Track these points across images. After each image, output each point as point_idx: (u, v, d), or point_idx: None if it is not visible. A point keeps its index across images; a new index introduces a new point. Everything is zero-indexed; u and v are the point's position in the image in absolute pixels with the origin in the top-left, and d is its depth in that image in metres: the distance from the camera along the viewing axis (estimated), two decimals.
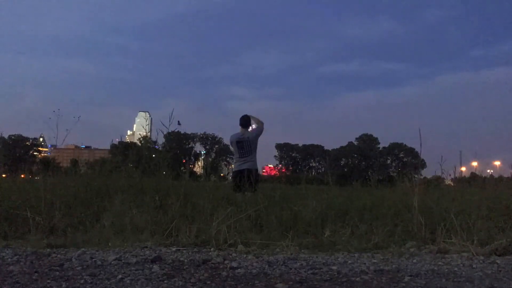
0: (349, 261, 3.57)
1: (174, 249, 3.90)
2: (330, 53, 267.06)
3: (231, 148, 7.29)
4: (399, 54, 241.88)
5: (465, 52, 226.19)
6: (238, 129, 7.13)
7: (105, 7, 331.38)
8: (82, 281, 2.85)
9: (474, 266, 3.47)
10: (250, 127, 7.21)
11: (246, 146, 6.86)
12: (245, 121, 7.12)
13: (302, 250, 4.00)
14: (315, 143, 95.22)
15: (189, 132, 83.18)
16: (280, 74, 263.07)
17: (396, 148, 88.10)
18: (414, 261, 3.64)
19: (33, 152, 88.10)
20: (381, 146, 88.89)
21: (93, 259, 3.46)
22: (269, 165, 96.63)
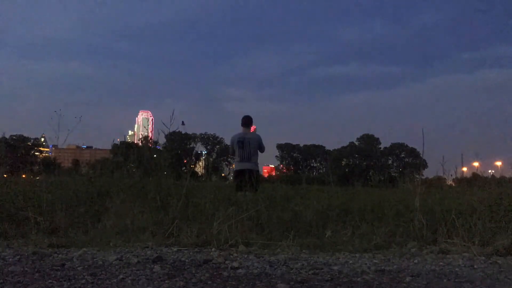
0: (350, 261, 3.57)
1: (175, 249, 3.90)
2: (326, 55, 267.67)
3: (231, 150, 7.28)
4: (393, 57, 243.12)
5: (458, 55, 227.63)
6: (237, 130, 7.14)
7: (105, 10, 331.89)
8: (83, 281, 2.85)
9: (475, 266, 3.47)
10: (253, 128, 7.24)
11: (246, 146, 6.86)
12: (247, 121, 7.13)
13: (303, 250, 4.00)
14: (316, 143, 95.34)
15: (189, 132, 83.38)
16: (277, 76, 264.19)
17: (397, 148, 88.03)
18: (415, 261, 3.64)
19: (35, 152, 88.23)
20: (382, 146, 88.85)
21: (94, 259, 3.46)
22: (270, 165, 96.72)
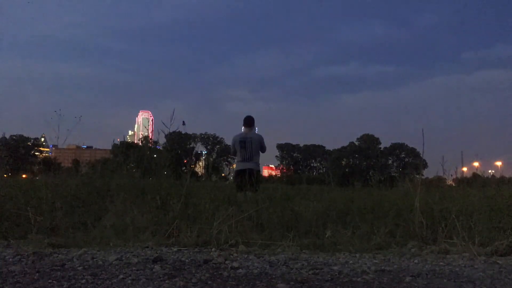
0: (350, 261, 3.57)
1: (175, 249, 3.90)
2: (326, 56, 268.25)
3: (232, 150, 7.27)
4: (393, 57, 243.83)
5: (458, 55, 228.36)
6: (237, 130, 7.16)
7: (105, 10, 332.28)
8: (83, 281, 2.85)
9: (475, 266, 3.47)
10: (254, 129, 7.25)
11: (248, 146, 6.86)
12: (249, 121, 7.14)
13: (303, 250, 4.00)
14: (316, 143, 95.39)
15: (189, 132, 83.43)
16: (277, 77, 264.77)
17: (397, 148, 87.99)
18: (416, 261, 3.64)
19: (35, 152, 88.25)
20: (382, 146, 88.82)
21: (94, 259, 3.46)
22: (270, 165, 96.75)
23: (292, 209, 5.04)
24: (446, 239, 4.25)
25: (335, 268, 3.34)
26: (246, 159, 6.87)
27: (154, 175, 6.09)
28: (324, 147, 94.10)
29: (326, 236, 4.42)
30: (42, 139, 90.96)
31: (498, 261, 3.62)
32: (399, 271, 3.27)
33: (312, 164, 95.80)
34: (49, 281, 2.86)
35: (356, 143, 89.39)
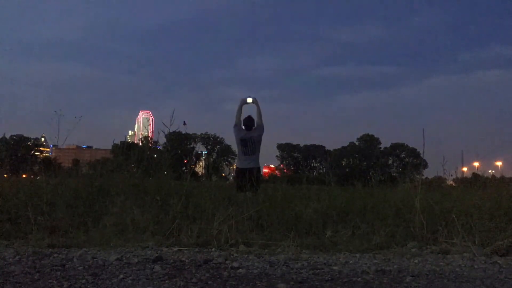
0: (351, 262, 3.57)
1: (175, 249, 3.90)
2: (323, 56, 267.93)
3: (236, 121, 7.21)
4: (391, 58, 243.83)
5: (455, 56, 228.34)
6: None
7: (106, 12, 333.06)
8: (83, 281, 2.85)
9: (475, 266, 3.47)
10: (253, 128, 7.23)
11: (250, 144, 6.84)
12: (249, 122, 7.12)
13: (303, 251, 4.00)
14: (316, 143, 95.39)
15: (190, 132, 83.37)
16: (275, 77, 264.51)
17: (397, 148, 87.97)
18: (416, 261, 3.64)
19: (35, 152, 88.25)
20: (382, 146, 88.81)
21: (95, 259, 3.46)
22: (270, 165, 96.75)
23: (292, 209, 5.03)
24: (446, 239, 4.25)
25: (335, 268, 3.34)
26: (247, 157, 6.83)
27: (154, 175, 6.09)
28: (324, 147, 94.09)
29: (326, 236, 4.42)
30: (42, 139, 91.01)
31: (498, 261, 3.62)
32: (399, 271, 3.27)
33: (312, 164, 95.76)
34: (49, 281, 2.86)
35: (356, 143, 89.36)
